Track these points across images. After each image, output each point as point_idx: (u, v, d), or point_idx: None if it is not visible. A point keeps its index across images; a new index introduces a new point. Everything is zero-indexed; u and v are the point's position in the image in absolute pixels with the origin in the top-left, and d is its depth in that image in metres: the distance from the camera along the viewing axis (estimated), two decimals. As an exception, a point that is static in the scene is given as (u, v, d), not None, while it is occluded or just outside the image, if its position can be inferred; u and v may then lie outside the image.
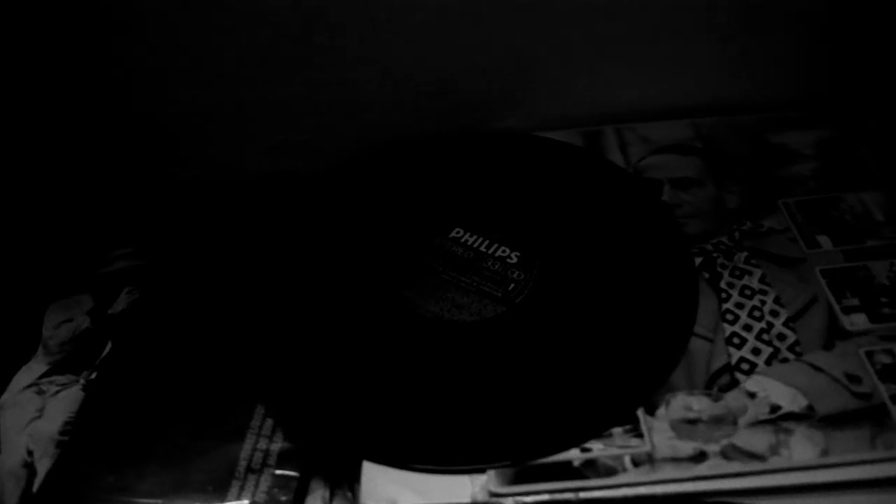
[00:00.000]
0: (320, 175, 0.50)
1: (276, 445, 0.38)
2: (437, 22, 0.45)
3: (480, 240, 0.43)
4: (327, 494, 0.37)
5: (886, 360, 0.37)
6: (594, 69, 0.49)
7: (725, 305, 0.40)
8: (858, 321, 0.38)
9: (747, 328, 0.38)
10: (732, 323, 0.39)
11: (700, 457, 0.34)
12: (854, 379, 0.36)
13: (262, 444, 0.38)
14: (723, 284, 0.41)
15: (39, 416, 0.39)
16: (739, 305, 0.39)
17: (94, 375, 0.41)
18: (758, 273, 0.41)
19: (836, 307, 0.39)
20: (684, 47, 0.49)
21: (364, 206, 0.46)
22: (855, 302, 0.39)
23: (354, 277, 0.42)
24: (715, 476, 0.33)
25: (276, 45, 0.46)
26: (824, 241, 0.42)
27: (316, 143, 0.52)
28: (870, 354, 0.37)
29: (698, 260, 0.42)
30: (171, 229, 0.49)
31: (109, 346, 0.43)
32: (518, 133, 0.50)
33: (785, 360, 0.37)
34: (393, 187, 0.47)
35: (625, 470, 0.33)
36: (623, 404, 0.35)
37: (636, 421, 0.35)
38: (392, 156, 0.50)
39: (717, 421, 0.35)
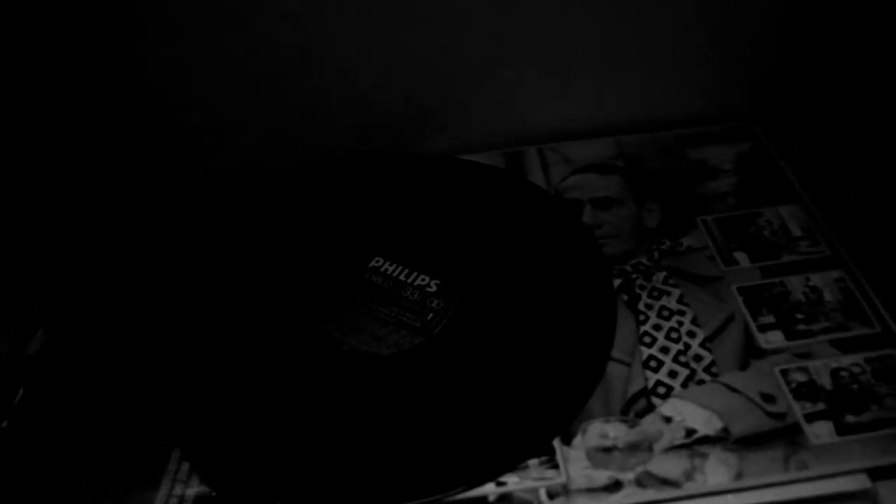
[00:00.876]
0: (236, 200, 0.49)
1: (192, 490, 0.37)
2: (359, 45, 0.45)
3: (400, 268, 0.43)
4: (243, 540, 0.36)
5: (801, 378, 0.37)
6: (517, 92, 0.49)
7: (643, 328, 0.39)
8: (774, 339, 0.39)
9: (664, 350, 0.38)
10: (650, 346, 0.39)
11: (615, 486, 0.33)
12: (769, 398, 0.36)
13: (178, 490, 0.37)
14: (641, 306, 0.40)
15: (-56, 471, 0.38)
16: (657, 327, 0.39)
17: (4, 424, 0.40)
18: (676, 293, 0.41)
19: (753, 325, 0.39)
20: (606, 68, 0.49)
21: (281, 235, 0.46)
22: (771, 319, 0.39)
23: (271, 311, 0.42)
24: (629, 505, 0.33)
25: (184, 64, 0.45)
26: (741, 257, 0.43)
27: (233, 167, 0.51)
28: (785, 373, 0.37)
29: (617, 281, 0.42)
30: (85, 269, 0.48)
31: (22, 391, 0.41)
32: (439, 156, 0.50)
33: (701, 382, 0.37)
34: (311, 214, 0.47)
35: (540, 503, 0.33)
36: (540, 435, 0.35)
37: (552, 451, 0.35)
38: (310, 181, 0.49)
39: (633, 448, 0.35)
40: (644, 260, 0.43)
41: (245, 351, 0.40)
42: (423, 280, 0.42)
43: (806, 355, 0.38)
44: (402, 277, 0.42)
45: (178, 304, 0.43)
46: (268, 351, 0.40)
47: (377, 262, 0.43)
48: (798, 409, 0.36)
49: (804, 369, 0.37)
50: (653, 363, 0.38)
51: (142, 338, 0.43)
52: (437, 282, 0.42)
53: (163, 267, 0.46)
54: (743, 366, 0.37)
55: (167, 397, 0.39)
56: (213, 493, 0.36)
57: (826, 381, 0.37)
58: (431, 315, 0.40)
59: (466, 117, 0.50)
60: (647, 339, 0.39)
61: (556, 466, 0.34)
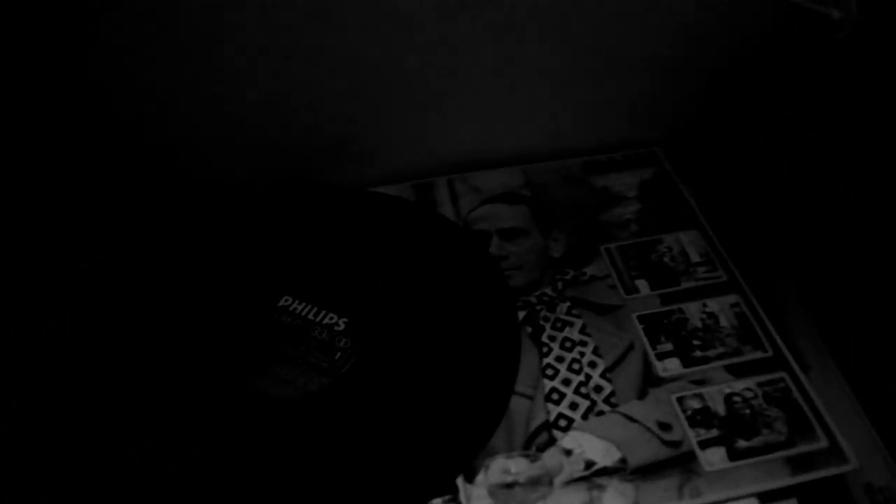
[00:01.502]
0: (137, 235, 0.48)
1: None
2: (269, 78, 0.45)
3: (309, 307, 0.43)
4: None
5: (696, 404, 0.38)
6: (428, 123, 0.50)
7: (546, 360, 0.40)
8: (671, 366, 0.40)
9: (566, 382, 0.39)
10: (552, 378, 0.39)
11: (516, 522, 0.34)
12: (665, 427, 0.37)
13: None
14: (544, 338, 0.41)
15: None
16: (560, 359, 0.40)
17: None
18: (578, 324, 0.42)
19: (651, 353, 0.40)
20: (515, 99, 0.49)
21: (185, 272, 0.45)
22: (669, 347, 0.41)
23: (177, 353, 0.41)
24: (528, 542, 0.33)
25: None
26: (642, 285, 0.44)
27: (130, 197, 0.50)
28: (681, 400, 0.38)
29: (522, 314, 0.43)
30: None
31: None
32: (349, 188, 0.50)
33: (601, 413, 0.38)
34: (217, 249, 0.46)
35: (442, 543, 0.34)
36: (444, 474, 0.36)
37: (456, 490, 0.35)
38: (216, 214, 0.49)
39: (534, 483, 0.35)
40: (548, 291, 0.43)
41: (152, 393, 0.40)
42: (331, 318, 0.42)
43: (702, 382, 0.39)
44: (310, 316, 0.42)
45: (84, 344, 0.43)
46: (174, 394, 0.40)
47: (286, 300, 0.43)
48: (693, 437, 0.37)
49: (699, 396, 0.38)
50: (555, 396, 0.39)
51: (37, 386, 0.42)
52: (346, 320, 0.42)
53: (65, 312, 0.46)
54: (641, 395, 0.39)
55: (67, 448, 0.38)
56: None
57: (720, 407, 0.38)
58: (339, 354, 0.40)
59: (376, 149, 0.50)
60: (549, 372, 0.40)
61: (458, 505, 0.35)
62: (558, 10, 0.44)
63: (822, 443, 0.37)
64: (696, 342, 0.41)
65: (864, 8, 0.43)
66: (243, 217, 0.48)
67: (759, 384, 0.39)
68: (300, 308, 0.43)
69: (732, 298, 0.43)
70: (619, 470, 0.36)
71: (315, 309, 0.43)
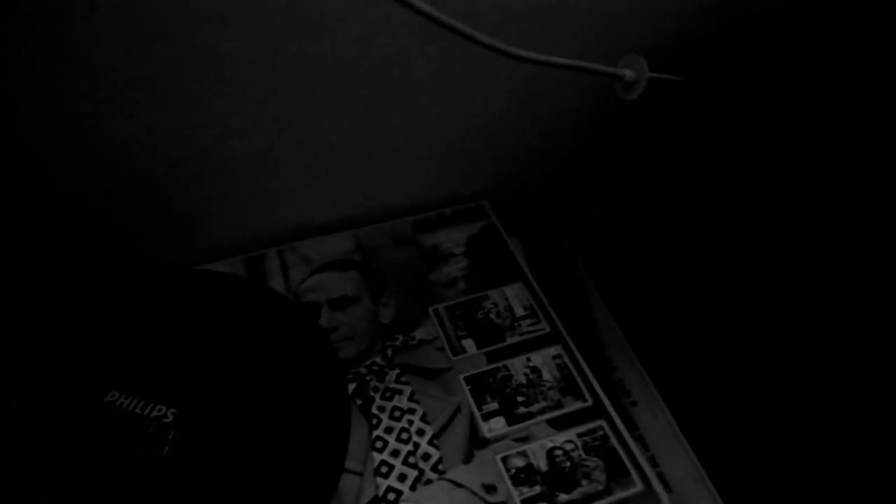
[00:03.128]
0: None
1: None
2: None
3: (136, 401, 0.42)
4: None
5: (520, 462, 0.39)
6: (255, 194, 0.50)
7: (376, 432, 0.41)
8: (496, 426, 0.41)
9: (395, 454, 0.40)
10: (381, 450, 0.40)
11: None
12: (490, 489, 0.38)
13: None
14: (374, 409, 0.42)
15: None
16: (389, 430, 0.41)
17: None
18: (407, 391, 0.43)
19: (478, 414, 0.42)
20: (344, 163, 0.50)
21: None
22: (494, 406, 0.42)
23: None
24: None
25: None
26: (469, 345, 0.45)
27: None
28: (505, 459, 0.40)
29: (353, 385, 0.43)
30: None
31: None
32: (174, 267, 0.50)
33: (429, 482, 0.39)
34: (41, 342, 0.45)
35: None
36: (272, 564, 0.36)
37: (285, 580, 0.35)
38: (38, 298, 0.47)
39: (363, 563, 0.36)
40: (378, 359, 0.44)
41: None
42: (159, 410, 0.41)
43: (525, 438, 0.40)
44: (138, 410, 0.41)
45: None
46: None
47: (112, 395, 0.42)
48: (516, 496, 0.38)
49: (523, 453, 0.40)
50: (384, 469, 0.39)
51: None
52: (174, 410, 0.41)
53: None
54: (468, 458, 0.40)
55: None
56: None
57: (542, 463, 0.39)
58: (167, 449, 0.40)
59: (204, 224, 0.50)
60: (378, 444, 0.40)
61: None
62: (375, 75, 0.45)
63: (638, 487, 0.38)
64: (520, 399, 0.42)
65: (655, 67, 0.46)
66: (67, 307, 0.47)
67: (579, 434, 0.41)
68: (127, 403, 0.42)
69: (554, 350, 0.45)
70: (446, 539, 0.36)
71: (143, 402, 0.42)
